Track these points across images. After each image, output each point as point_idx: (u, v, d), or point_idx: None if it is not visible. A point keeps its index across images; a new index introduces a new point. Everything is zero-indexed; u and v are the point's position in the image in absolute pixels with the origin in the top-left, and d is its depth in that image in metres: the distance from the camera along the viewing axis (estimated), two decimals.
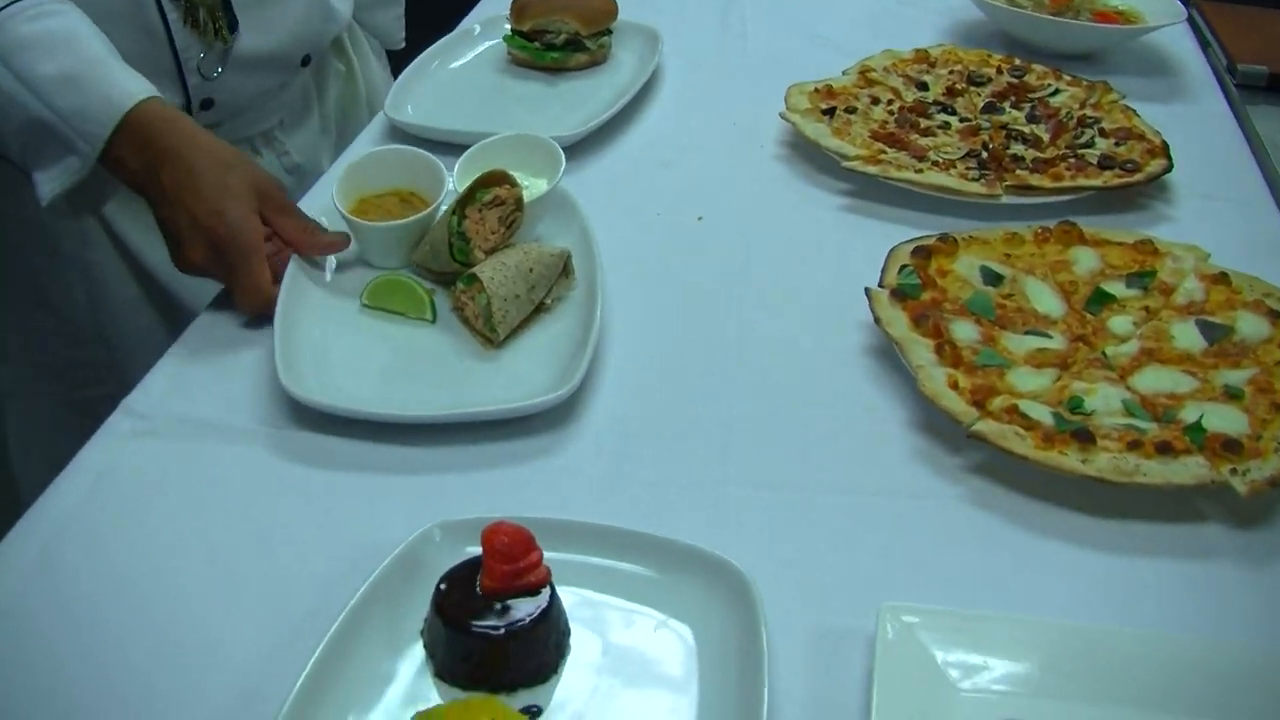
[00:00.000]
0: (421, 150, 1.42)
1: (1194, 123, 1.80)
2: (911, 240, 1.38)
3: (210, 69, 1.57)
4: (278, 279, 1.30)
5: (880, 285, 1.32)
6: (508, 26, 1.87)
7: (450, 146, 1.48)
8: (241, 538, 1.06)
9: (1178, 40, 2.04)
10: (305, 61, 1.73)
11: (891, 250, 1.37)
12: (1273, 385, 1.21)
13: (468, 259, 1.30)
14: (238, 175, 1.32)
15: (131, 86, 1.34)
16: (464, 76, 1.84)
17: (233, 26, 1.58)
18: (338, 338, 1.27)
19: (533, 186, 1.41)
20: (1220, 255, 1.40)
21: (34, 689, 0.93)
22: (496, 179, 1.32)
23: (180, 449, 1.14)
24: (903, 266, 1.34)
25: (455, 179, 1.38)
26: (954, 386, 1.18)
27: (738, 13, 2.08)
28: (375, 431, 1.15)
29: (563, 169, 1.41)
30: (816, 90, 1.73)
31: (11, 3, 1.33)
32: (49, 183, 1.37)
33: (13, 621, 0.98)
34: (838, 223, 1.53)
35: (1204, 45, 2.07)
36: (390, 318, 1.31)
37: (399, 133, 1.64)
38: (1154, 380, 1.23)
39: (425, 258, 1.35)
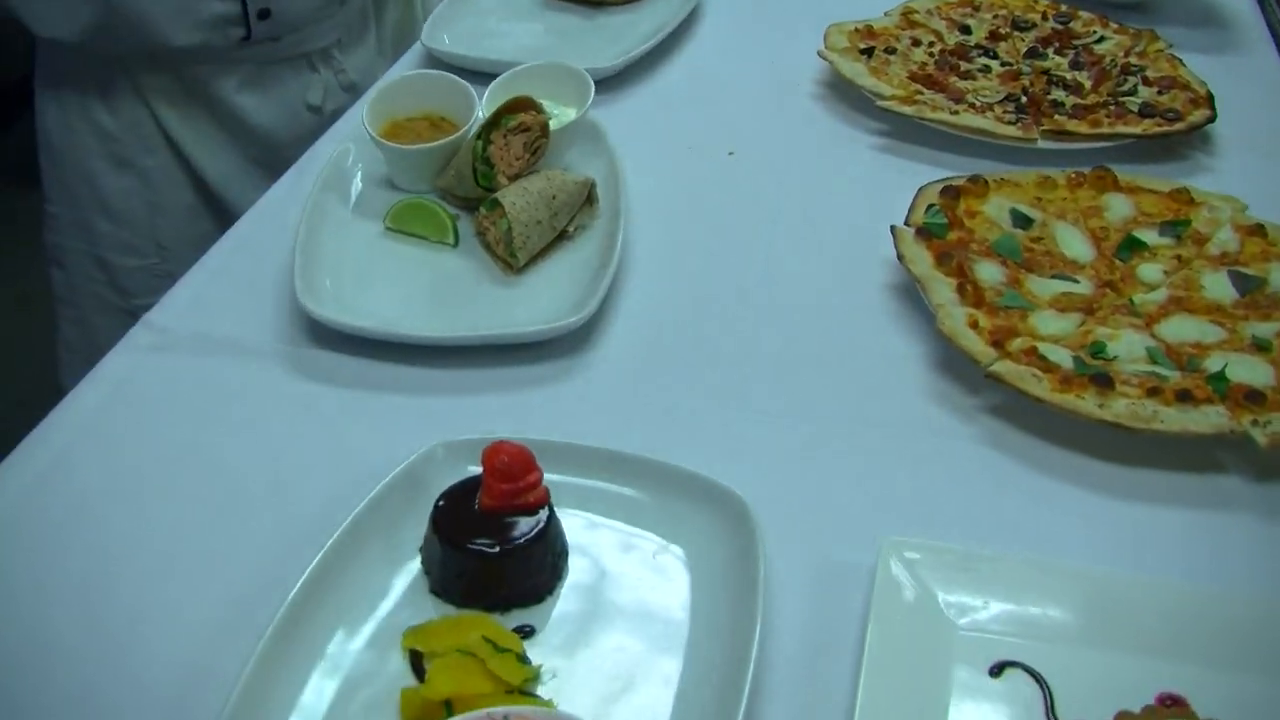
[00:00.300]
0: (452, 75, 1.41)
1: (1243, 76, 1.76)
2: (941, 180, 1.36)
3: None
4: None
5: (906, 224, 1.31)
6: None
7: (486, 76, 1.47)
8: (249, 452, 1.07)
9: None
10: None
11: (920, 189, 1.35)
12: None
13: (491, 184, 1.29)
14: None
15: None
16: (503, 7, 1.83)
17: None
18: (359, 259, 1.27)
19: (561, 115, 1.40)
20: (1261, 209, 1.37)
21: (42, 584, 0.95)
22: (523, 105, 1.31)
23: (196, 364, 1.16)
24: (930, 205, 1.32)
25: (485, 106, 1.37)
26: (974, 326, 1.16)
27: None
28: (390, 352, 1.16)
29: (591, 98, 1.40)
30: (857, 30, 1.70)
31: None
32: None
33: (26, 518, 1.00)
34: (871, 162, 1.51)
35: (1261, 1, 2.02)
36: (413, 241, 1.31)
37: (437, 62, 1.63)
38: (1180, 329, 1.21)
39: (450, 182, 1.34)
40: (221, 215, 1.69)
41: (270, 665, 0.84)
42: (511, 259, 1.25)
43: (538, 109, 1.32)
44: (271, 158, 1.66)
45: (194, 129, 1.74)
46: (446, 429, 1.04)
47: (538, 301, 1.22)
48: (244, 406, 1.11)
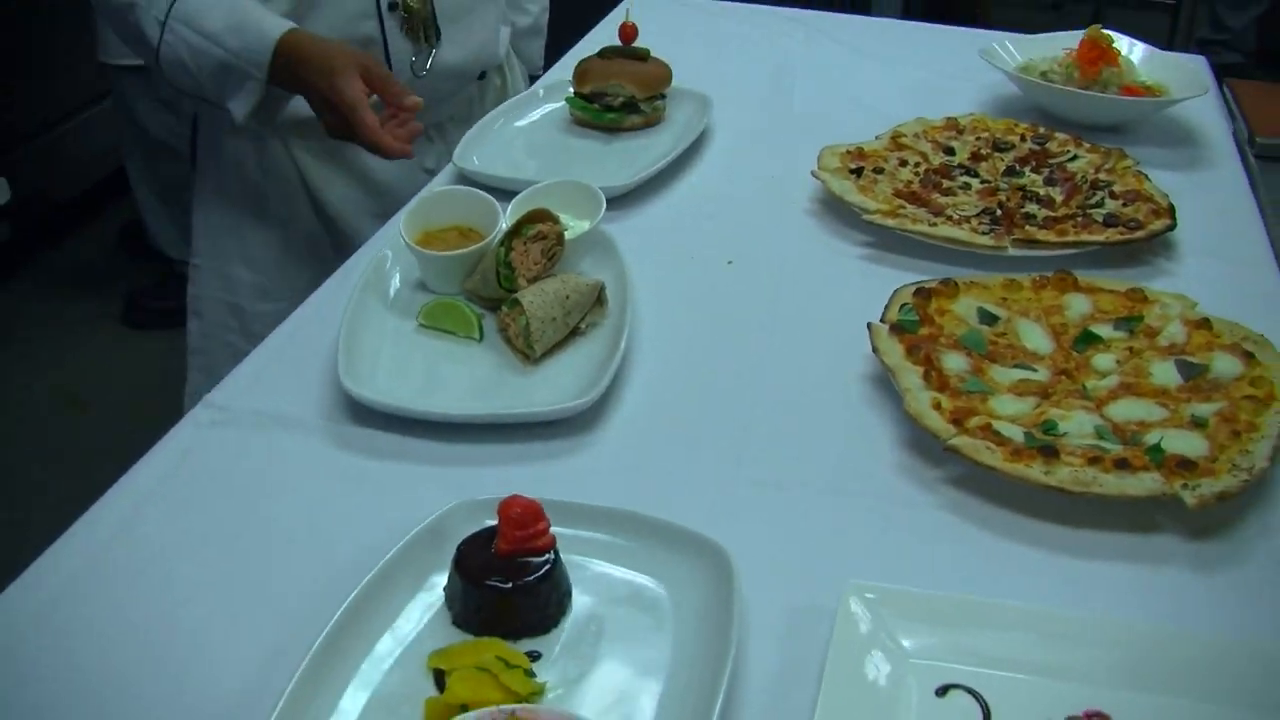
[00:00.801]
0: (479, 190, 1.59)
1: (1209, 189, 1.92)
2: (915, 283, 1.52)
3: (420, 68, 2.00)
4: (394, 145, 1.78)
5: (882, 321, 1.46)
6: (571, 90, 2.05)
7: (511, 193, 1.65)
8: (295, 513, 1.22)
9: (1205, 114, 2.16)
10: (481, 75, 2.15)
11: (896, 290, 1.51)
12: (1237, 416, 1.32)
13: (513, 285, 1.46)
14: (342, 55, 1.80)
15: (272, 24, 1.81)
16: (527, 133, 2.02)
17: (437, 36, 2.02)
18: (395, 349, 1.44)
19: (576, 226, 1.57)
20: (1216, 309, 1.51)
21: (111, 628, 1.09)
22: (541, 216, 1.48)
23: (250, 437, 1.32)
24: (903, 305, 1.48)
25: (508, 218, 1.55)
26: (937, 407, 1.31)
27: (787, 82, 2.24)
28: (421, 429, 1.31)
29: (603, 212, 1.58)
30: (848, 152, 1.88)
31: None
32: (239, 106, 1.85)
33: (98, 571, 1.15)
34: (856, 269, 1.67)
35: (1230, 119, 2.19)
36: (443, 336, 1.47)
37: (468, 180, 1.81)
38: (1128, 410, 1.35)
39: (477, 285, 1.51)
40: (344, 256, 1.91)
41: (310, 683, 0.98)
42: (529, 351, 1.41)
43: (554, 220, 1.49)
44: (388, 206, 1.92)
45: (331, 183, 2.06)
46: (468, 494, 1.19)
47: (552, 387, 1.38)
48: (291, 474, 1.27)
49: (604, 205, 1.58)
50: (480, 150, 1.91)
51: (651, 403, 1.39)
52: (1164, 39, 4.56)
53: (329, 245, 2.08)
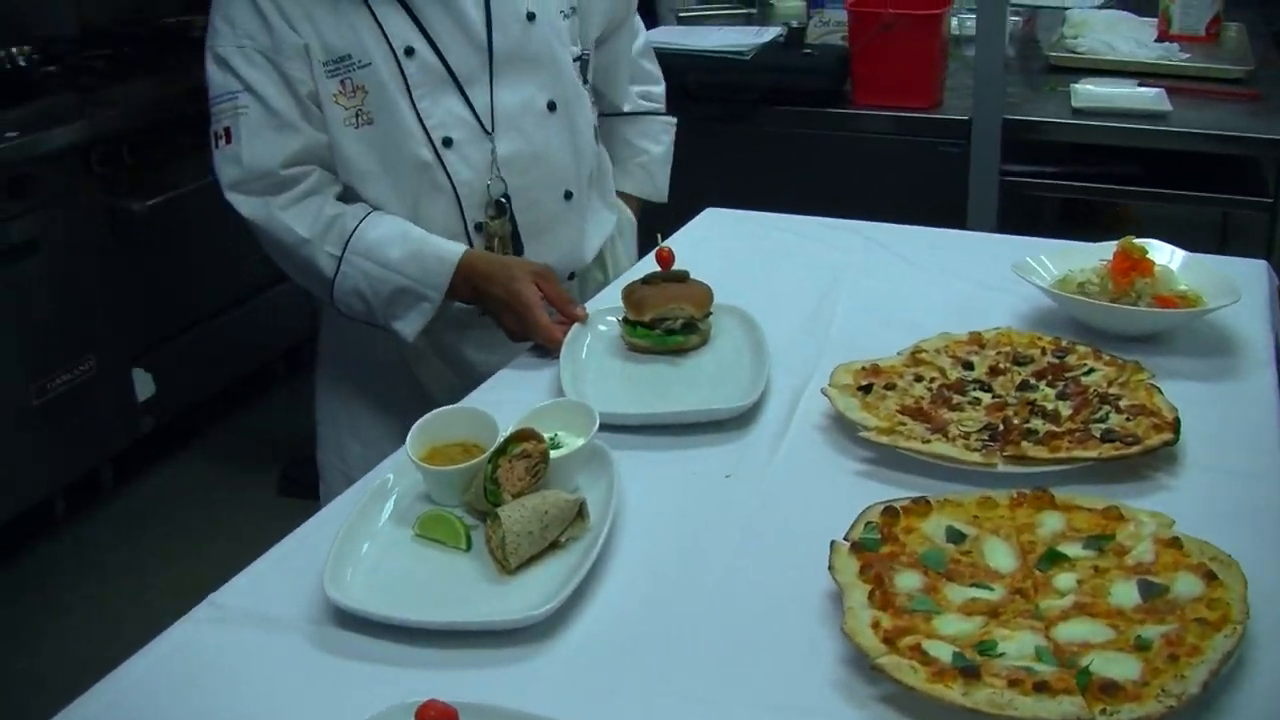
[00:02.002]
0: (480, 409, 1.72)
1: (1233, 400, 1.92)
2: (886, 501, 1.57)
3: None
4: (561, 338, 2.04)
5: (845, 538, 1.52)
6: (611, 319, 2.16)
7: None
8: (262, 712, 1.33)
9: (1251, 320, 2.15)
10: (571, 276, 2.37)
11: (866, 509, 1.56)
12: (1183, 639, 1.33)
13: (498, 500, 1.57)
14: (519, 265, 2.13)
15: (450, 248, 2.14)
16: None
17: (519, 251, 2.24)
18: (386, 557, 1.56)
19: (571, 443, 1.67)
20: (1205, 526, 1.51)
21: None
22: (526, 435, 1.60)
23: (238, 636, 1.44)
24: (868, 523, 1.53)
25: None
26: (875, 625, 1.36)
27: (831, 298, 2.32)
28: (392, 633, 1.42)
29: (595, 430, 1.68)
30: (863, 369, 1.95)
31: (364, 218, 2.13)
32: (409, 326, 2.15)
33: None
34: (850, 485, 1.72)
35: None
36: (434, 545, 1.58)
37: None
38: (1075, 631, 1.37)
39: (472, 498, 1.62)
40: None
41: None
42: (504, 562, 1.51)
43: (539, 439, 1.60)
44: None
45: (432, 368, 2.30)
46: (427, 694, 1.27)
47: (520, 598, 1.47)
48: (264, 673, 1.38)
49: (596, 423, 1.69)
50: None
51: (613, 614, 1.47)
52: None
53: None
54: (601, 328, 2.17)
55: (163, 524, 4.12)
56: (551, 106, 2.25)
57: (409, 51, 2.11)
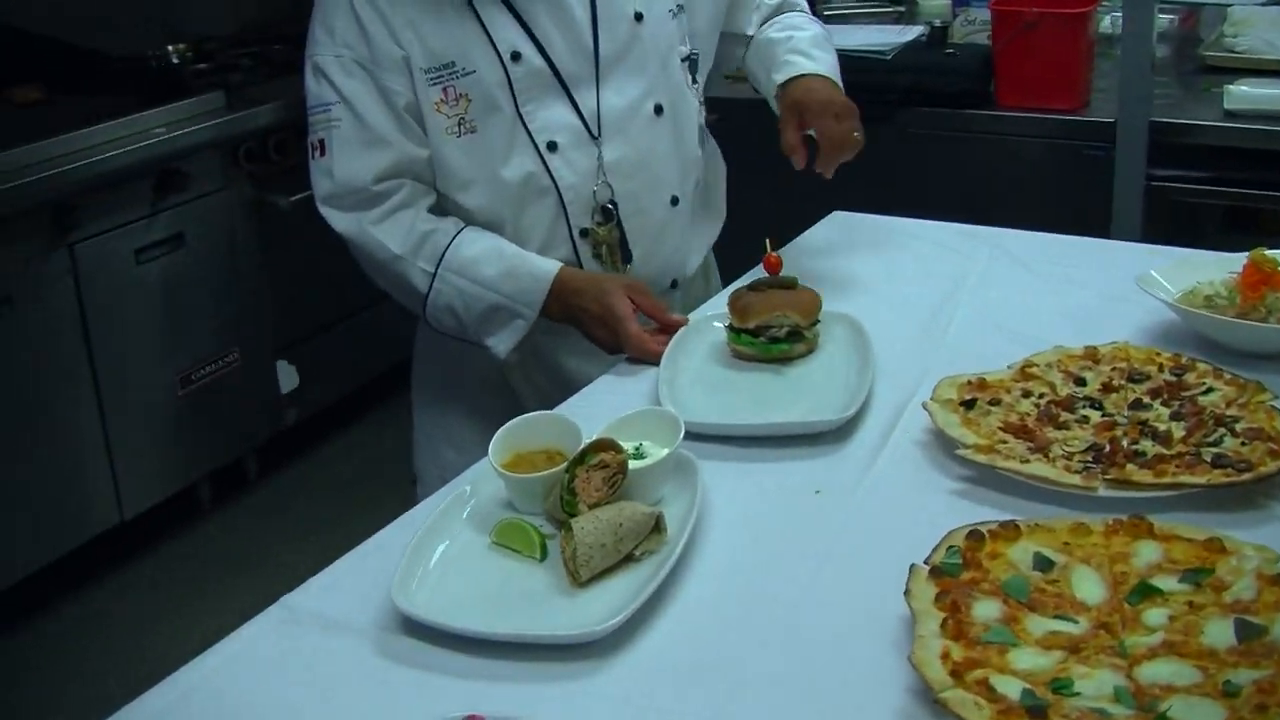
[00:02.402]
0: (565, 416, 1.70)
1: None
2: (971, 525, 1.51)
3: None
4: (656, 349, 2.03)
5: (926, 562, 1.46)
6: (717, 325, 2.13)
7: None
8: (326, 714, 1.36)
9: None
10: (673, 285, 2.35)
11: (950, 531, 1.50)
12: (1276, 687, 1.24)
13: (574, 510, 1.55)
14: (610, 280, 2.13)
15: (544, 265, 2.14)
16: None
17: (627, 259, 2.22)
18: (459, 565, 1.56)
19: (654, 454, 1.65)
20: None
21: None
22: (604, 446, 1.58)
23: (306, 639, 1.46)
24: (950, 547, 1.47)
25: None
26: (944, 656, 1.30)
27: (946, 312, 2.24)
28: (454, 642, 1.42)
29: (680, 439, 1.65)
30: (969, 383, 1.88)
31: (458, 233, 2.13)
32: (502, 343, 2.16)
33: None
34: (942, 505, 1.66)
35: None
36: (510, 554, 1.58)
37: None
38: (1159, 671, 1.29)
39: (551, 507, 1.61)
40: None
41: None
42: (575, 574, 1.49)
43: (618, 449, 1.58)
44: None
45: (528, 378, 2.30)
46: (482, 707, 1.27)
47: (588, 610, 1.45)
48: (326, 678, 1.40)
49: (681, 433, 1.66)
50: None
51: (681, 632, 1.44)
52: None
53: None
54: (707, 334, 2.15)
55: (302, 516, 4.21)
56: (659, 109, 2.22)
57: (515, 56, 2.09)
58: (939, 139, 3.69)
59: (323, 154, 2.14)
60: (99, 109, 3.74)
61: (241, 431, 4.30)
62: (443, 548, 1.58)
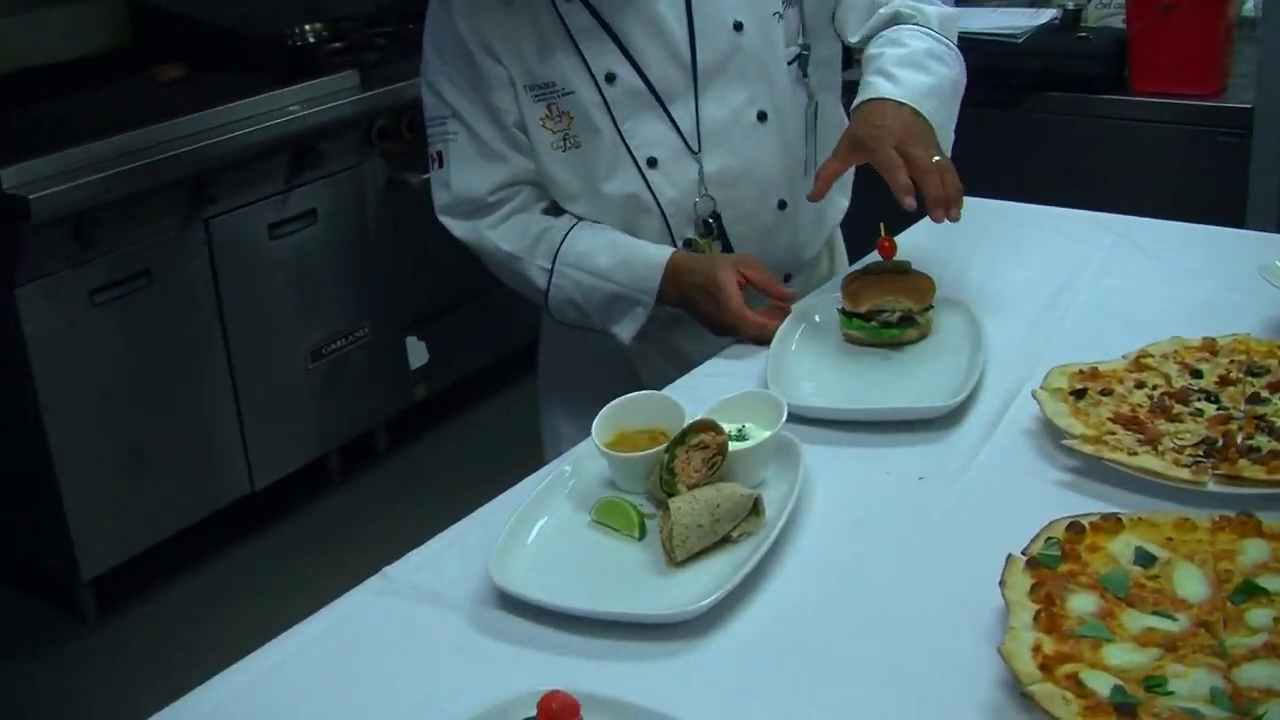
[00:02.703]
0: (669, 396, 1.72)
1: None
2: (1072, 516, 1.49)
3: None
4: (753, 320, 2.06)
5: (1023, 553, 1.45)
6: (840, 308, 2.10)
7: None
8: (415, 687, 1.38)
9: None
10: (787, 278, 2.31)
11: (1051, 522, 1.49)
12: None
13: (673, 490, 1.57)
14: (721, 258, 2.14)
15: (657, 252, 2.15)
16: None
17: None
18: (557, 542, 1.59)
19: (756, 435, 1.66)
20: None
21: None
22: (705, 426, 1.59)
23: (403, 610, 1.50)
24: (1049, 539, 1.45)
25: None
26: (1035, 649, 1.29)
27: (1064, 300, 2.21)
28: (547, 618, 1.45)
29: (783, 422, 1.65)
30: (1081, 372, 1.85)
31: (570, 229, 2.18)
32: (625, 330, 2.19)
33: (246, 705, 1.37)
34: (1045, 495, 1.64)
35: None
36: (609, 532, 1.60)
37: None
38: (1259, 673, 1.26)
39: (652, 486, 1.63)
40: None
41: None
42: (671, 554, 1.51)
43: (718, 430, 1.59)
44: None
45: (651, 362, 2.31)
46: (569, 683, 1.29)
47: (683, 590, 1.47)
48: (421, 649, 1.44)
49: (784, 415, 1.66)
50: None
51: (773, 615, 1.45)
52: None
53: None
54: (820, 318, 2.14)
55: (429, 490, 4.28)
56: (762, 116, 2.19)
57: (610, 78, 2.10)
58: (1069, 124, 3.62)
59: (440, 166, 2.21)
60: (237, 87, 3.86)
61: (371, 405, 4.40)
62: (541, 524, 1.61)
